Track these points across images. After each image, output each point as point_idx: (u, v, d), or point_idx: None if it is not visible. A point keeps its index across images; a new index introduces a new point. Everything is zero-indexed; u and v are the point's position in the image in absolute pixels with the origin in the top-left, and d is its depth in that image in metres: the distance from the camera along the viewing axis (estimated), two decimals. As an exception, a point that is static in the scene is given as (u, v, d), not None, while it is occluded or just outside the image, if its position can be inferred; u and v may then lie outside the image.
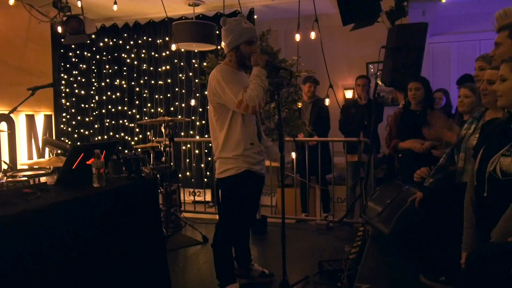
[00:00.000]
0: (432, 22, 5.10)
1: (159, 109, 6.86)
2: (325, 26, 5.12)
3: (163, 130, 4.50)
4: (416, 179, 3.11)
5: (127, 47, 7.03)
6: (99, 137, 7.25)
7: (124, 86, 7.10)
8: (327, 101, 5.14)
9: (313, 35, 4.75)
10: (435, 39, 6.50)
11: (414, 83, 3.79)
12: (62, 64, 7.31)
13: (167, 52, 6.73)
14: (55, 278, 2.06)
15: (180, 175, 6.32)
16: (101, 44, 7.14)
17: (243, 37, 2.83)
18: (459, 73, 5.25)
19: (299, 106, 5.03)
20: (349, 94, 6.82)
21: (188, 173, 6.53)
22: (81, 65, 7.32)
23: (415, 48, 3.99)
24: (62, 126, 7.26)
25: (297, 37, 4.81)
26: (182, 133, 6.71)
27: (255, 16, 6.14)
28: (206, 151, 6.37)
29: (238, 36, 2.83)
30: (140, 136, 7.04)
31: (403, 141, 3.80)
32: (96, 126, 7.31)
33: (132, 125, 7.10)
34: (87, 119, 7.37)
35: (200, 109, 6.57)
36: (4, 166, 3.12)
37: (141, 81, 6.98)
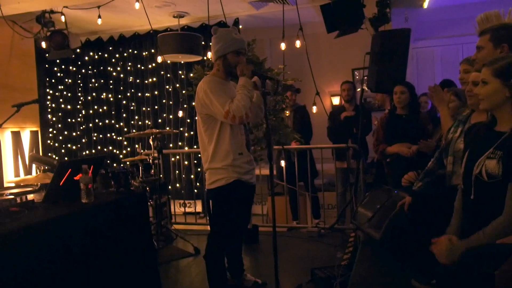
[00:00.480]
0: (415, 27, 5.19)
1: (146, 122, 6.84)
2: (309, 34, 5.15)
3: (151, 143, 4.48)
4: (404, 183, 3.13)
5: (113, 60, 7.01)
6: (87, 152, 7.19)
7: (111, 99, 7.07)
8: (314, 109, 5.16)
9: (298, 43, 4.79)
10: (419, 44, 6.60)
11: (399, 87, 3.83)
12: (48, 79, 7.27)
13: (153, 64, 6.72)
14: (45, 297, 2.03)
15: (170, 187, 6.29)
16: (86, 58, 7.11)
17: (231, 46, 2.86)
18: (443, 76, 5.33)
19: (287, 114, 5.06)
20: (336, 100, 6.86)
21: (178, 185, 6.50)
22: (66, 80, 7.28)
23: (399, 54, 4.04)
24: (49, 141, 7.19)
25: (283, 45, 4.84)
26: (171, 145, 6.68)
27: (240, 26, 6.17)
28: (195, 162, 6.34)
29: (227, 45, 2.85)
30: (128, 149, 7.00)
31: (390, 146, 3.83)
32: (83, 140, 7.26)
33: (120, 138, 7.06)
34: (74, 134, 7.31)
35: (188, 120, 6.56)
36: (-10, 185, 3.08)
37: (128, 94, 6.96)
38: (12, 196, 2.55)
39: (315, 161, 5.56)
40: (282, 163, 5.26)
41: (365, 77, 4.41)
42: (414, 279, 2.59)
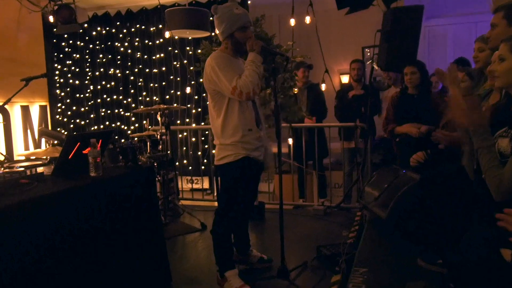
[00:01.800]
0: (428, 4, 5.07)
1: (154, 98, 6.83)
2: (319, 10, 5.07)
3: (159, 119, 4.48)
4: (412, 163, 3.12)
5: (120, 35, 6.96)
6: (95, 127, 7.22)
7: (119, 75, 7.05)
8: (323, 86, 5.12)
9: (308, 19, 4.72)
10: (431, 22, 6.47)
11: (410, 68, 3.78)
12: (55, 54, 7.25)
13: (161, 40, 6.67)
14: (53, 268, 2.06)
15: (177, 163, 6.31)
16: (93, 33, 7.07)
17: (236, 24, 2.81)
18: (455, 56, 5.24)
19: (295, 92, 5.01)
20: (345, 79, 6.80)
21: (185, 161, 6.52)
22: (74, 55, 7.25)
23: (411, 32, 3.96)
24: (57, 116, 7.22)
25: (292, 22, 4.77)
26: (178, 121, 6.68)
27: (249, 1, 6.07)
28: (202, 138, 6.35)
29: (231, 24, 2.81)
30: (136, 125, 7.02)
31: (400, 125, 3.80)
32: (91, 115, 7.28)
33: (128, 114, 7.07)
34: (82, 109, 7.33)
35: (196, 97, 6.54)
36: (1, 158, 3.11)
37: (136, 70, 6.93)
38: (22, 169, 2.57)
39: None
40: (290, 141, 5.25)
41: (375, 55, 4.35)
42: (420, 258, 2.60)
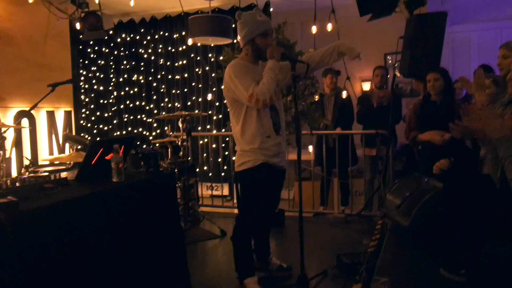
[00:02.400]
0: (451, 11, 5.00)
1: (176, 104, 6.90)
2: (342, 17, 5.05)
3: (180, 125, 4.53)
4: (435, 171, 3.06)
5: (144, 42, 7.07)
6: (118, 132, 7.33)
7: (142, 81, 7.15)
8: (344, 94, 5.09)
9: (330, 26, 4.70)
10: (455, 28, 6.37)
11: (433, 74, 3.72)
12: (81, 60, 7.41)
13: (184, 47, 6.75)
14: (76, 271, 2.09)
15: (197, 170, 6.35)
16: (118, 39, 7.20)
17: (257, 29, 2.83)
18: (479, 62, 5.14)
19: (316, 99, 4.99)
20: (366, 86, 6.74)
21: (205, 168, 6.56)
22: (99, 61, 7.40)
23: (434, 38, 3.91)
24: (81, 121, 7.36)
25: (314, 29, 4.76)
26: (199, 128, 6.73)
27: (271, 9, 6.10)
28: (223, 145, 6.38)
29: (253, 29, 2.83)
30: (158, 131, 7.10)
31: (422, 133, 3.75)
32: (114, 121, 7.40)
33: (150, 120, 7.16)
34: (106, 115, 7.45)
35: (217, 103, 6.58)
36: (26, 162, 3.18)
37: (159, 76, 7.02)
38: (47, 173, 2.63)
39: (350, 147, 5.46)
40: (310, 148, 5.22)
41: (398, 62, 4.31)
42: (443, 268, 2.55)
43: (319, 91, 5.18)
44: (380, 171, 4.85)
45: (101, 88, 7.42)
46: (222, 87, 3.09)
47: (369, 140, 5.14)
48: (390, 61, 6.67)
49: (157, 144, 4.59)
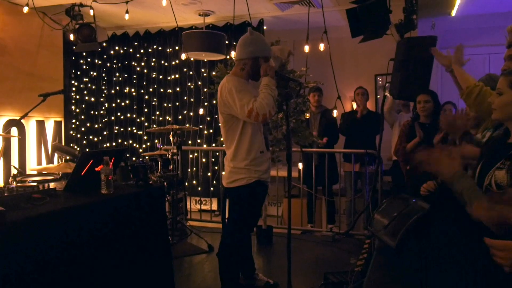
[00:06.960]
0: (441, 35, 5.10)
1: (167, 117, 6.91)
2: (334, 37, 5.13)
3: (171, 138, 4.53)
4: (422, 192, 3.09)
5: (137, 55, 7.10)
6: (108, 144, 7.30)
7: (134, 94, 7.16)
8: (335, 113, 5.14)
9: (322, 46, 4.78)
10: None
11: (423, 96, 3.80)
12: (73, 71, 7.40)
13: (177, 61, 6.78)
14: (63, 282, 2.07)
15: (186, 184, 6.34)
16: (111, 52, 7.22)
17: (265, 51, 2.90)
18: (468, 86, 5.23)
19: (307, 117, 5.04)
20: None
21: (194, 182, 6.54)
22: (91, 72, 7.40)
23: (424, 61, 3.99)
24: (71, 132, 7.32)
25: (306, 48, 4.83)
26: (190, 142, 6.73)
27: (265, 27, 6.19)
28: (213, 160, 6.38)
29: (262, 49, 2.89)
30: (148, 143, 7.08)
31: (411, 154, 3.80)
32: (105, 133, 7.37)
33: (141, 132, 7.15)
34: (96, 126, 7.43)
35: (208, 118, 6.60)
36: (14, 171, 3.16)
37: (150, 89, 7.04)
38: (35, 184, 2.61)
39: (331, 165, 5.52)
40: (300, 165, 5.25)
41: (388, 84, 4.37)
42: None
43: (310, 110, 5.25)
44: (359, 190, 4.90)
45: (92, 99, 7.41)
46: (214, 102, 3.11)
47: (347, 155, 5.20)
48: (380, 82, 6.77)
49: (147, 157, 4.59)
